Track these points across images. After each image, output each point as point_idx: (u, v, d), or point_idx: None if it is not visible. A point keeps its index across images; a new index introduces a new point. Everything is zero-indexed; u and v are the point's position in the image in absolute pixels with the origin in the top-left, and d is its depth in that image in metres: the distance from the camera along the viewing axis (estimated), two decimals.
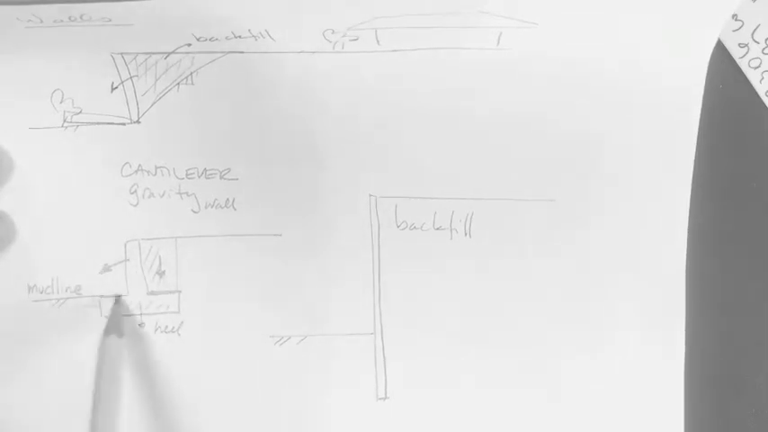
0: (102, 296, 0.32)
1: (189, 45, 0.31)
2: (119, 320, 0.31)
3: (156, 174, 0.32)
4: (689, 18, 0.31)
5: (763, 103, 0.33)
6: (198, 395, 0.33)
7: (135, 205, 0.32)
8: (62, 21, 0.31)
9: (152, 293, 0.32)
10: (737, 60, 0.33)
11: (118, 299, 0.32)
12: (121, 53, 0.31)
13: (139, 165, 0.32)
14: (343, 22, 0.31)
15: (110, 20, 0.31)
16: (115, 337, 0.30)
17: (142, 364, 0.32)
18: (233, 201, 0.32)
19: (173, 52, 0.32)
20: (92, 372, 0.32)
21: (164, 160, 0.32)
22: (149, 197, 0.32)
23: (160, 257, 0.32)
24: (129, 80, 0.32)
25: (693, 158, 0.33)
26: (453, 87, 0.32)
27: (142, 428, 0.32)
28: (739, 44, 0.33)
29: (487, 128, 0.32)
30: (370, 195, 0.33)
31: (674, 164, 0.33)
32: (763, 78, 0.33)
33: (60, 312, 0.32)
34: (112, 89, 0.32)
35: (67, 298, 0.32)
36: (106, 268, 0.32)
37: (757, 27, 0.33)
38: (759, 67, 0.33)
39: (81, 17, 0.31)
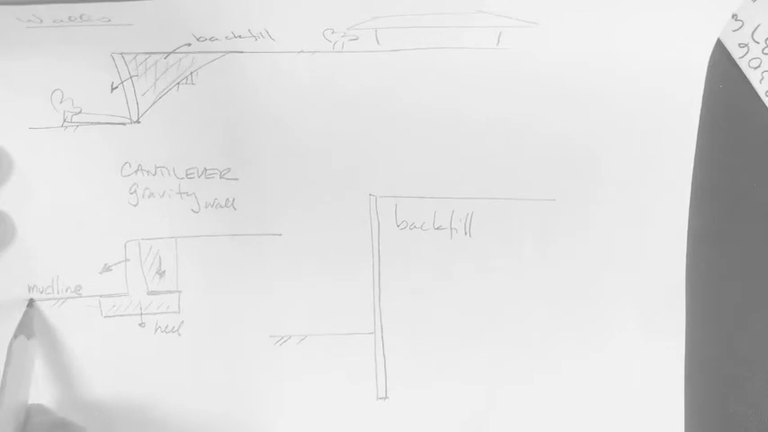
0: (101, 296, 0.32)
1: (189, 45, 0.31)
2: (30, 322, 0.31)
3: (156, 174, 0.32)
4: (689, 18, 0.31)
5: (763, 103, 0.33)
6: (198, 395, 0.33)
7: (135, 205, 0.32)
8: (62, 21, 0.31)
9: (152, 293, 0.32)
10: (737, 60, 0.33)
11: (31, 301, 0.31)
12: (121, 53, 0.31)
13: (139, 165, 0.32)
14: (343, 22, 0.31)
15: (110, 20, 0.31)
16: (24, 338, 0.30)
17: (139, 362, 0.32)
18: (233, 201, 0.32)
19: (173, 52, 0.32)
20: (91, 370, 0.32)
21: (164, 160, 0.32)
22: (149, 197, 0.32)
23: (160, 257, 0.32)
24: (129, 80, 0.32)
25: (693, 158, 0.33)
26: (453, 87, 0.32)
27: (140, 428, 0.32)
28: (739, 44, 0.33)
29: (487, 127, 0.32)
30: (370, 195, 0.33)
31: (674, 164, 0.33)
32: (763, 78, 0.33)
33: (60, 312, 0.32)
34: (112, 89, 0.32)
35: (67, 298, 0.32)
36: (106, 268, 0.32)
37: (757, 27, 0.33)
38: (759, 67, 0.33)
39: (81, 17, 0.31)
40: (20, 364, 0.29)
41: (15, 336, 0.30)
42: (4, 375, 0.29)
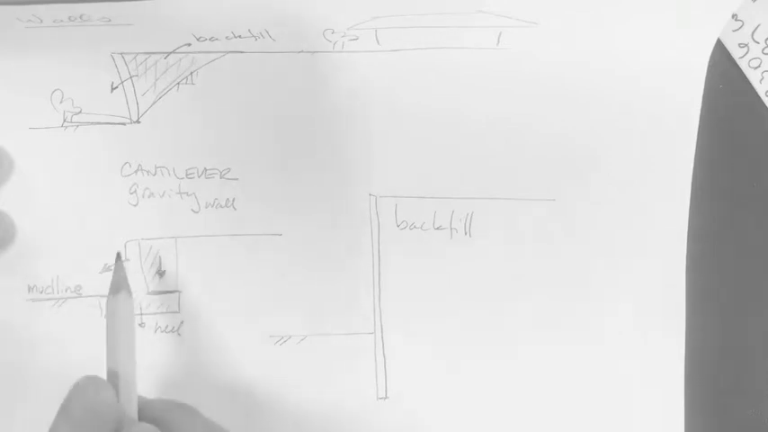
0: (101, 296, 0.32)
1: (189, 45, 0.32)
2: (124, 277, 0.27)
3: (156, 174, 0.32)
4: (689, 18, 0.31)
5: (763, 103, 0.33)
6: (198, 395, 0.33)
7: (135, 205, 0.32)
8: (62, 21, 0.31)
9: (152, 293, 0.32)
10: (737, 60, 0.33)
11: (118, 255, 0.28)
12: (121, 53, 0.31)
13: (139, 165, 0.32)
14: (343, 22, 0.31)
15: (110, 20, 0.31)
16: (126, 293, 0.27)
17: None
18: (233, 201, 0.32)
19: (173, 52, 0.32)
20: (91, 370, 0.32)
21: (164, 160, 0.32)
22: (149, 197, 0.32)
23: (160, 257, 0.32)
24: (129, 80, 0.32)
25: (693, 158, 0.33)
26: (453, 87, 0.32)
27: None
28: (739, 44, 0.33)
29: (487, 127, 0.32)
30: (370, 195, 0.33)
31: (674, 164, 0.33)
32: (763, 78, 0.33)
33: (60, 312, 0.32)
34: (112, 89, 0.32)
35: (67, 298, 0.32)
36: (106, 268, 0.32)
37: (757, 27, 0.33)
38: (759, 67, 0.33)
39: (81, 17, 0.31)
40: (127, 324, 0.26)
41: (114, 292, 0.27)
42: (111, 338, 0.26)
